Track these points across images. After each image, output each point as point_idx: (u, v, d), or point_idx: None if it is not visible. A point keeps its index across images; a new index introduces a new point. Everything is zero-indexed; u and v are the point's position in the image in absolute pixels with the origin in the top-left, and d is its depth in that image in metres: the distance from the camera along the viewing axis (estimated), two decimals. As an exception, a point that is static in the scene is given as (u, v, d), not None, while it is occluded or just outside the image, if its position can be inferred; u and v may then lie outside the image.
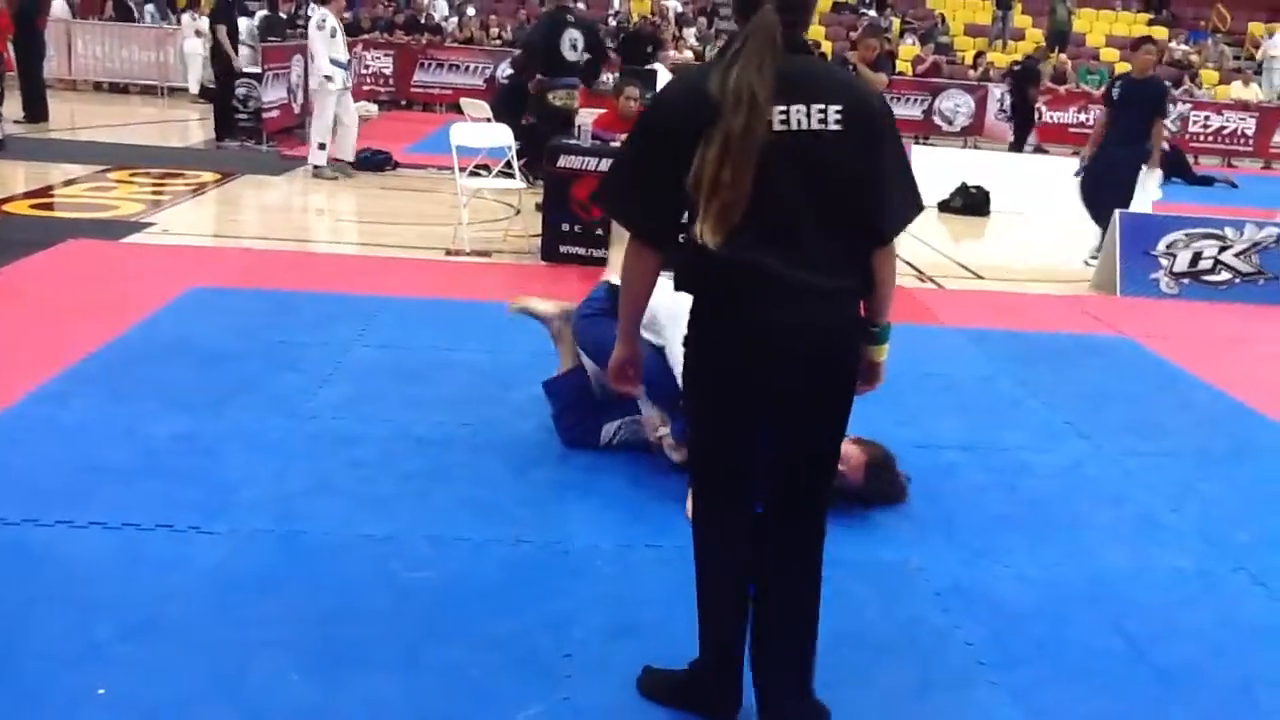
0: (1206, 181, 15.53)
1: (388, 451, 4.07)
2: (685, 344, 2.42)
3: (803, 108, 2.20)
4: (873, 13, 21.50)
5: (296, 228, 8.31)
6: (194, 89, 16.11)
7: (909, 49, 19.95)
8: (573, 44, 8.98)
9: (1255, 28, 22.91)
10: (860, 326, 2.42)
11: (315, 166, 10.10)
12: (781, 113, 2.20)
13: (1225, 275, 7.86)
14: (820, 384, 2.34)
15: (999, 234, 8.76)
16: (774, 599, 2.50)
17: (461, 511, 3.64)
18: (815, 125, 2.21)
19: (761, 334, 2.29)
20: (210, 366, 4.81)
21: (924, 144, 16.62)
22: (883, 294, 2.41)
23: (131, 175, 9.69)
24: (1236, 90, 19.41)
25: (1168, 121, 18.14)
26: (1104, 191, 8.55)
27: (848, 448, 3.62)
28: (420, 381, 4.83)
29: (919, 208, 2.43)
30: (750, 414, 2.39)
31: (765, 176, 2.18)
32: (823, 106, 2.21)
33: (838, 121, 2.21)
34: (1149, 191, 8.31)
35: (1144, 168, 8.45)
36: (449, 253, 7.45)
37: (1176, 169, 15.39)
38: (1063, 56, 19.73)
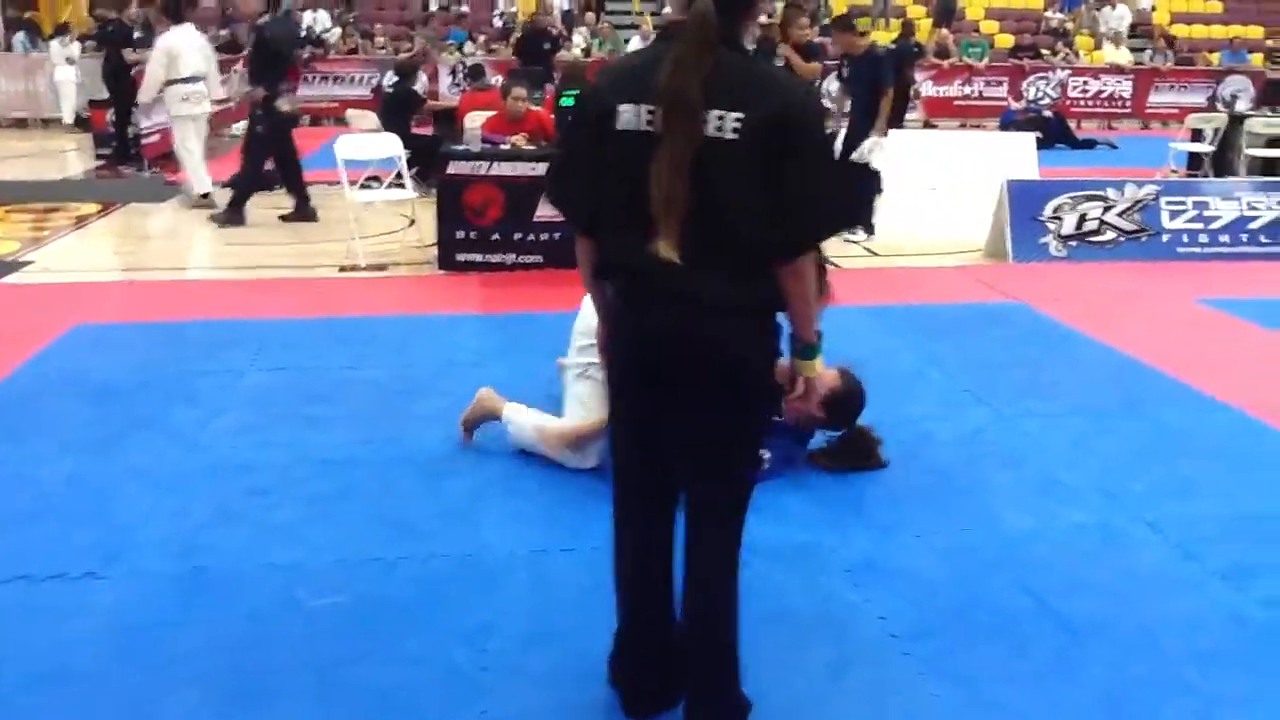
0: (1089, 145, 15.99)
1: (290, 476, 3.99)
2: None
3: (720, 113, 2.13)
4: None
5: (184, 255, 8.09)
6: (68, 118, 15.61)
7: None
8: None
9: (1124, -8, 23.62)
10: (765, 342, 2.34)
11: (201, 196, 9.70)
12: (717, 117, 2.13)
13: (1111, 235, 8.09)
14: (712, 393, 2.29)
15: (891, 211, 8.88)
16: (691, 605, 2.49)
17: (371, 531, 3.58)
18: (713, 132, 2.13)
19: (652, 341, 2.29)
20: (101, 404, 4.67)
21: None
22: (796, 311, 2.30)
23: (7, 212, 9.35)
24: (1109, 54, 19.98)
25: (1049, 88, 18.73)
26: None
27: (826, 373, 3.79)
28: (321, 402, 4.74)
29: (839, 224, 2.31)
30: (650, 413, 2.39)
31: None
32: (722, 114, 2.12)
33: (735, 130, 2.12)
34: (870, 159, 8.40)
35: (872, 136, 8.49)
36: (343, 269, 7.33)
37: (1060, 135, 15.82)
38: (944, 31, 20.11)
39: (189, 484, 3.91)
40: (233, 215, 8.86)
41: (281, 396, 4.82)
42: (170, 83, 9.36)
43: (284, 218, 8.93)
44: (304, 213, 8.96)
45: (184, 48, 9.39)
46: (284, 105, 8.94)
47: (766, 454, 3.95)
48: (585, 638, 2.86)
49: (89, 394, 4.78)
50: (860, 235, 8.70)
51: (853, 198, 2.35)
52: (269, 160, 9.14)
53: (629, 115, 2.19)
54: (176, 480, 3.94)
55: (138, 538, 3.50)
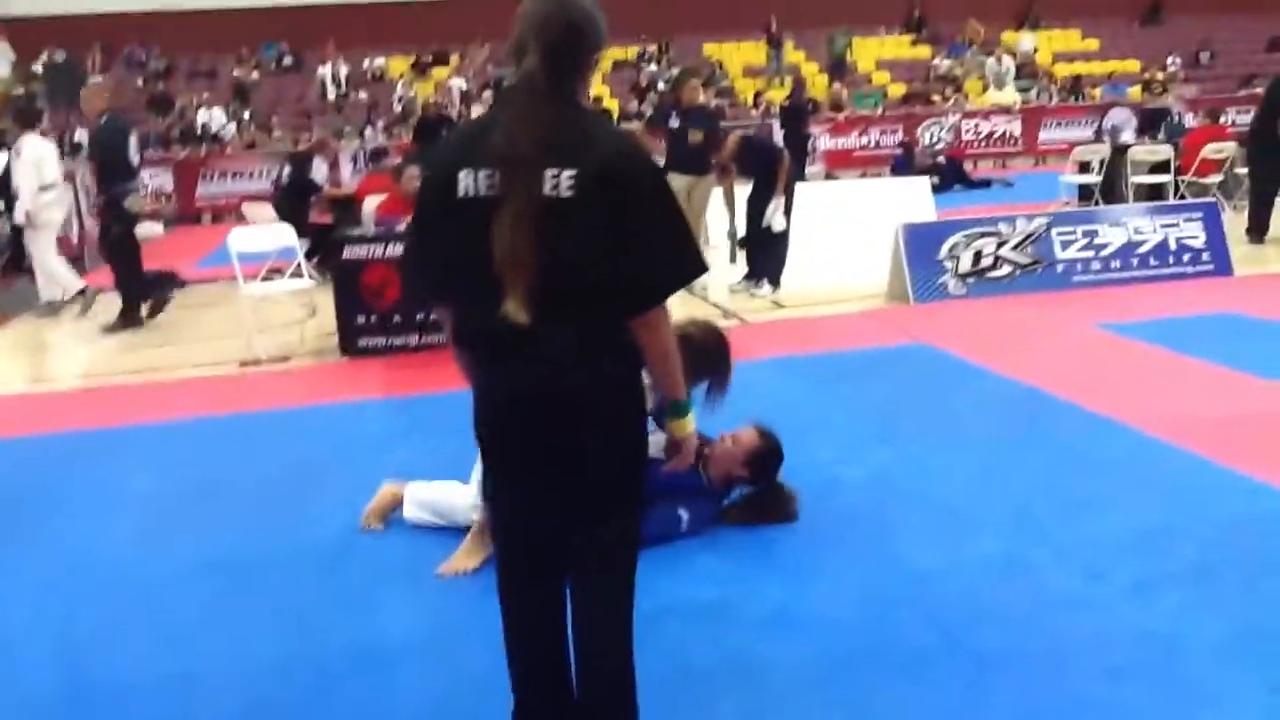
0: (985, 184, 16.42)
1: (182, 582, 3.84)
2: None
3: (555, 171, 2.11)
4: (654, 67, 22.09)
5: (82, 363, 7.88)
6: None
7: (692, 97, 20.49)
8: (137, 148, 8.93)
9: (1008, 36, 24.50)
10: (628, 398, 2.29)
11: (80, 294, 9.44)
12: (553, 175, 2.10)
13: (1006, 269, 8.26)
14: (582, 455, 2.25)
15: (795, 263, 8.99)
16: (585, 677, 2.42)
17: (265, 629, 3.46)
18: (549, 190, 2.10)
19: (512, 405, 2.25)
20: (-17, 522, 4.49)
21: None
22: (655, 366, 2.25)
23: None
24: (994, 95, 20.65)
25: (943, 132, 19.25)
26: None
27: (744, 433, 4.09)
28: (214, 501, 4.60)
29: (688, 274, 2.23)
30: (522, 479, 2.34)
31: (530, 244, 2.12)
32: (557, 171, 2.10)
33: (570, 187, 2.10)
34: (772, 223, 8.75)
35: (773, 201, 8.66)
36: (244, 364, 7.19)
37: (956, 177, 16.24)
38: (837, 85, 20.63)
39: (74, 599, 3.75)
40: (127, 321, 8.66)
41: (176, 499, 4.67)
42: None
43: (108, 329, 8.62)
44: (129, 319, 8.67)
45: (45, 155, 9.38)
46: (130, 205, 8.73)
47: (685, 514, 3.93)
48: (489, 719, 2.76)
49: (-29, 513, 4.60)
50: (766, 289, 8.80)
51: (696, 247, 2.27)
52: (139, 258, 8.91)
53: (468, 181, 2.16)
54: (61, 593, 3.78)
55: (20, 658, 3.34)
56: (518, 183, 2.09)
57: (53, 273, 9.61)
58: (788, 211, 8.81)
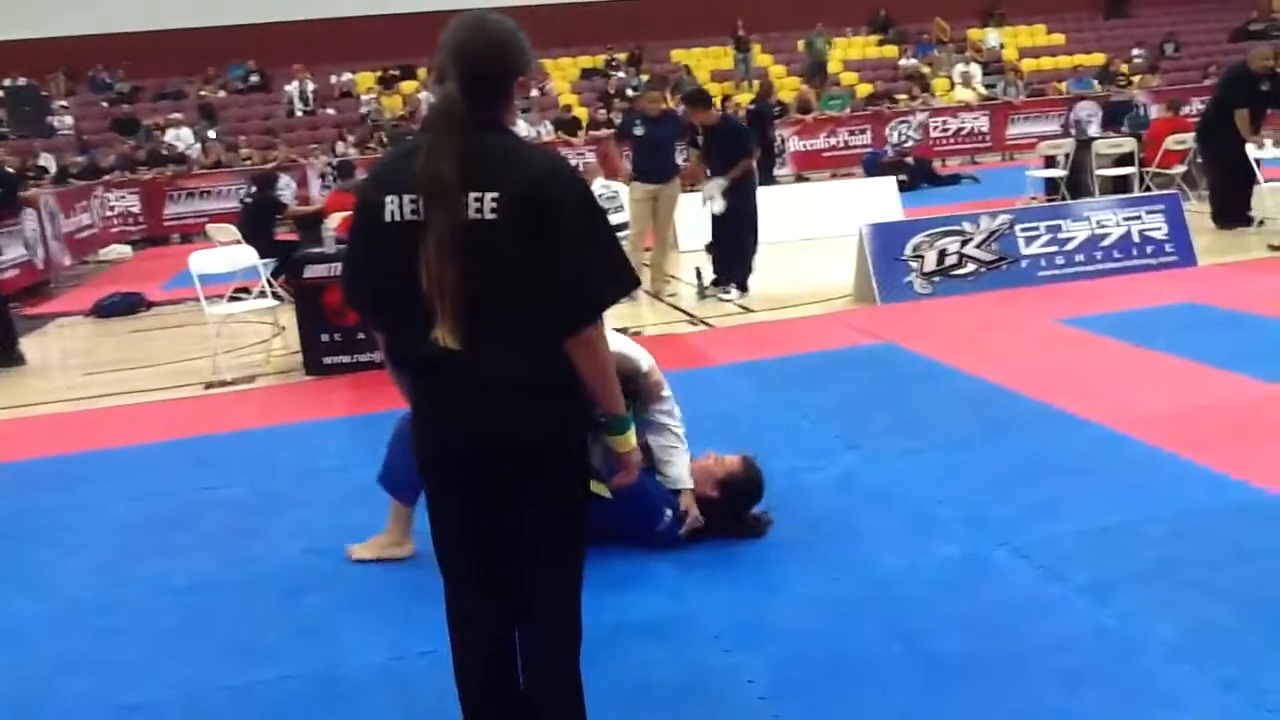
0: (954, 180, 16.50)
1: (142, 611, 3.81)
2: None
3: (478, 195, 2.10)
4: (622, 74, 22.09)
5: (41, 389, 7.81)
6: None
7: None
8: None
9: (973, 33, 24.62)
10: (566, 419, 2.27)
11: None
12: (475, 199, 2.10)
13: (971, 267, 8.28)
14: (521, 477, 2.24)
15: (763, 266, 9.01)
16: (533, 701, 2.40)
17: (223, 659, 3.42)
18: (473, 214, 2.10)
19: (449, 429, 2.24)
20: (-60, 558, 4.43)
21: (689, 190, 17.04)
22: (591, 384, 2.24)
23: None
24: (960, 93, 20.75)
25: (912, 130, 19.31)
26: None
27: (730, 458, 4.05)
28: (179, 529, 4.56)
29: (619, 290, 2.23)
30: (464, 502, 2.32)
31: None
32: (480, 195, 2.10)
33: (493, 210, 2.09)
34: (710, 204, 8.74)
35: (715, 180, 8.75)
36: (209, 386, 7.13)
37: (923, 175, 16.31)
38: (804, 87, 20.68)
39: (31, 632, 3.71)
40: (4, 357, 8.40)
41: (138, 528, 4.63)
42: None
43: None
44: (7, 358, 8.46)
45: None
46: None
47: (669, 512, 3.91)
48: (443, 744, 2.74)
49: (-72, 549, 4.54)
50: (734, 294, 8.80)
51: (627, 263, 2.25)
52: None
53: (393, 207, 2.15)
54: (18, 629, 3.73)
55: (-31, 699, 3.29)
56: (440, 208, 2.08)
57: None
58: (753, 216, 8.83)
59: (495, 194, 2.09)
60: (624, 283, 2.22)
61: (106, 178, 16.74)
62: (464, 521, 2.33)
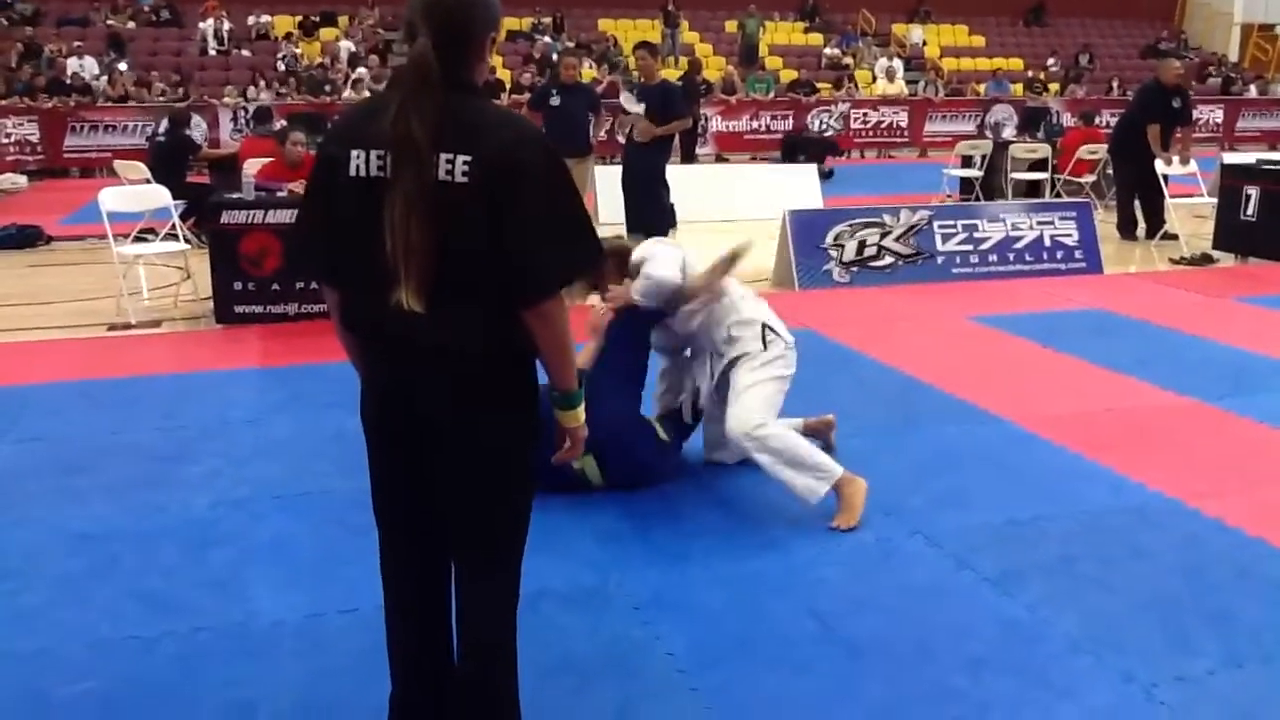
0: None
1: (40, 557, 3.69)
2: None
3: (449, 156, 2.05)
4: (548, 39, 21.87)
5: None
6: None
7: (587, 72, 20.38)
8: None
9: (898, 28, 24.94)
10: (517, 387, 2.24)
11: None
12: (447, 160, 2.04)
13: (889, 259, 8.42)
14: (467, 442, 2.21)
15: (683, 245, 9.01)
16: (464, 664, 2.38)
17: (129, 608, 3.34)
18: (444, 176, 2.05)
19: (401, 392, 2.20)
20: None
21: (610, 163, 17.00)
22: (547, 357, 2.20)
23: None
24: (883, 86, 21.02)
25: (833, 120, 19.52)
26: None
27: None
28: (79, 473, 4.42)
29: (583, 265, 2.20)
30: (407, 464, 2.29)
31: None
32: (451, 156, 2.04)
33: (465, 173, 2.04)
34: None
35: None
36: (113, 328, 6.91)
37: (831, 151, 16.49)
38: (730, 68, 20.74)
39: (-79, 572, 3.56)
40: None
41: (35, 470, 4.48)
42: None
43: None
44: None
45: None
46: None
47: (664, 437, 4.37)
48: (361, 707, 2.72)
49: None
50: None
51: (595, 238, 2.24)
52: None
53: (359, 162, 2.10)
54: (-94, 571, 3.58)
55: None
56: (409, 166, 2.03)
57: None
58: (664, 174, 9.31)
59: (467, 157, 2.04)
60: (587, 258, 2.19)
61: (3, 103, 16.02)
62: (409, 485, 2.29)
